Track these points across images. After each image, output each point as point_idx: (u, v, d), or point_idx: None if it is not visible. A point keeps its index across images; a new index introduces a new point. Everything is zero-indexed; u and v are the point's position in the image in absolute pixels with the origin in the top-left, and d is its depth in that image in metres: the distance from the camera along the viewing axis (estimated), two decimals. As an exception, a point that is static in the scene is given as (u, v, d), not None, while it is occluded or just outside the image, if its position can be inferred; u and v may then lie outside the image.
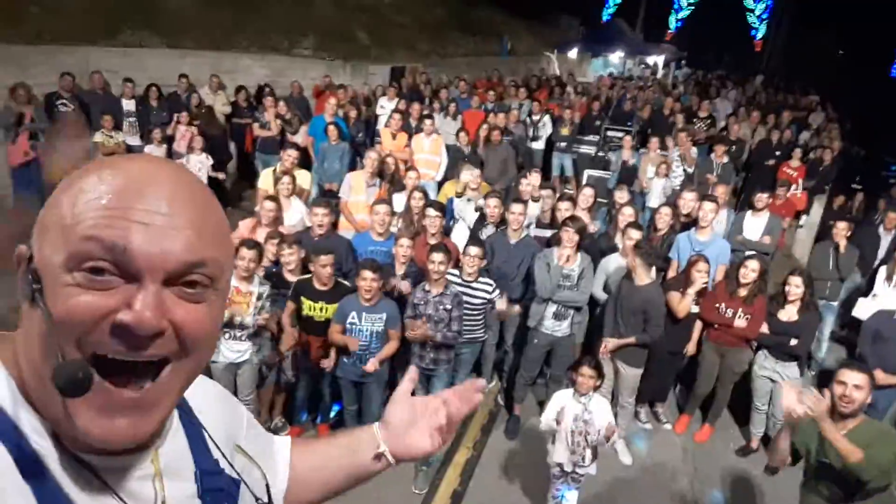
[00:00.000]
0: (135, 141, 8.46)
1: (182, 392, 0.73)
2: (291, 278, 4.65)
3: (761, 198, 6.35)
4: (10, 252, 0.70)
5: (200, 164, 7.65)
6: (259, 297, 4.30)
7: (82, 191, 0.65)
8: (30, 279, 0.65)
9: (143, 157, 0.71)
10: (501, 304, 5.02)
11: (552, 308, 4.87)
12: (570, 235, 4.76)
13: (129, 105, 8.78)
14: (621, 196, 6.50)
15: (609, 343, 4.75)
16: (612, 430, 3.76)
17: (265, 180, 6.49)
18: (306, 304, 4.48)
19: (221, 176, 8.20)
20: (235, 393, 4.42)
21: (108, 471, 0.70)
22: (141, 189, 0.65)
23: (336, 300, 4.46)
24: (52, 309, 0.62)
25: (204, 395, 0.92)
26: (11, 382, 0.68)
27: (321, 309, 4.47)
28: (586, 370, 3.85)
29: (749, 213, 6.46)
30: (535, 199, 6.16)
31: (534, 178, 6.58)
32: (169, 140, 8.22)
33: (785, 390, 3.10)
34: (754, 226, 6.33)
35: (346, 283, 4.58)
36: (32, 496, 0.63)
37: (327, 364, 4.45)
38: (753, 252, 5.61)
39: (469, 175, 6.26)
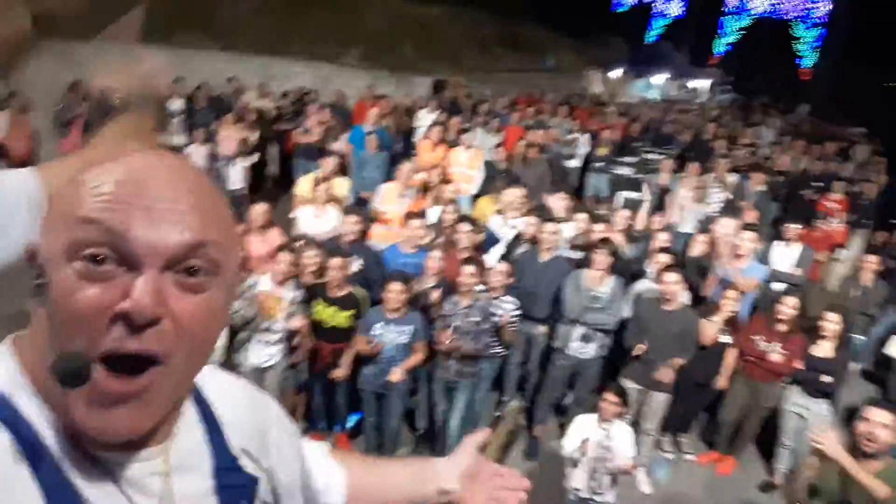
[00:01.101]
0: (180, 140, 8.71)
1: (183, 388, 0.72)
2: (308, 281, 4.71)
3: (790, 228, 6.24)
4: None
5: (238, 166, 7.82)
6: (291, 303, 4.39)
7: (85, 182, 0.65)
8: (36, 274, 0.65)
9: (147, 151, 0.71)
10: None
11: (580, 330, 4.86)
12: (601, 257, 4.76)
13: (176, 104, 9.05)
14: (659, 222, 6.45)
15: (665, 373, 4.62)
16: (632, 467, 3.74)
17: (303, 186, 6.61)
18: (319, 307, 4.53)
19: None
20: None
21: (116, 463, 0.71)
22: (142, 178, 0.65)
23: (348, 307, 4.50)
24: (53, 301, 0.62)
25: (227, 392, 0.91)
26: (23, 376, 0.69)
27: (332, 315, 4.50)
28: (611, 396, 3.83)
29: (778, 243, 6.36)
30: (564, 220, 6.14)
31: (560, 198, 6.55)
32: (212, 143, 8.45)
33: (823, 435, 3.04)
34: (784, 257, 6.22)
35: (359, 292, 4.59)
36: (37, 487, 0.64)
37: (339, 375, 4.50)
38: (785, 285, 5.53)
39: (512, 195, 6.26)
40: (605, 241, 5.03)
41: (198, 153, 7.63)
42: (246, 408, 0.95)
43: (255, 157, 8.08)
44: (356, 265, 4.87)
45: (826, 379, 4.71)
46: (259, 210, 5.25)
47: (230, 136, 8.28)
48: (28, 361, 0.70)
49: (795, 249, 6.22)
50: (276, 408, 1.03)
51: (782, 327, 4.83)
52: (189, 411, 0.83)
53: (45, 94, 8.11)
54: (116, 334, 0.62)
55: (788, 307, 4.81)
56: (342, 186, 6.85)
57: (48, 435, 0.67)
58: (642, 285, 5.22)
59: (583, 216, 6.08)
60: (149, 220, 0.63)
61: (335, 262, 4.44)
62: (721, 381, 5.08)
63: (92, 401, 0.63)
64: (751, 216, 6.86)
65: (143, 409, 0.66)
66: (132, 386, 0.64)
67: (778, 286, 5.57)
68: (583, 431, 3.87)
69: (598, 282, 4.75)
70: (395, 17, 16.82)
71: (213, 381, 0.92)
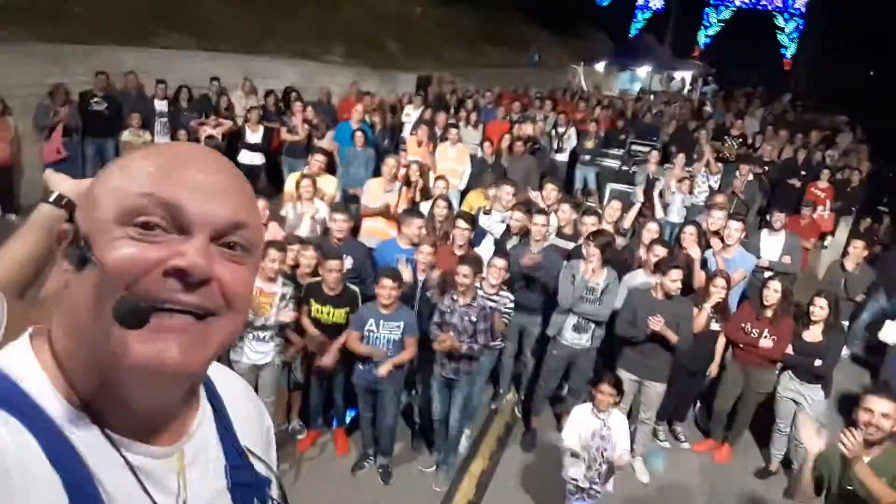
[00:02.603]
0: (165, 140, 8.61)
1: (222, 348, 0.74)
2: (305, 281, 4.70)
3: (779, 217, 6.29)
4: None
5: None
6: (282, 298, 4.35)
7: (133, 163, 0.71)
8: (80, 245, 0.68)
9: (182, 142, 0.78)
10: (527, 259, 4.96)
11: (572, 320, 4.86)
12: (592, 250, 4.76)
13: (161, 105, 8.96)
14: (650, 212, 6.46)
15: (656, 323, 4.50)
16: (626, 462, 3.75)
17: (291, 184, 6.56)
18: (314, 306, 4.52)
19: None
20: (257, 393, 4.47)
21: (137, 457, 0.72)
22: (186, 161, 0.71)
23: (343, 305, 4.50)
24: (104, 260, 0.65)
25: (235, 392, 0.93)
26: (46, 377, 0.69)
27: (328, 313, 4.51)
28: (606, 387, 3.83)
29: (765, 232, 6.41)
30: (552, 211, 6.14)
31: (549, 190, 6.54)
32: (194, 142, 8.37)
33: (803, 427, 3.05)
34: (771, 245, 6.27)
35: (354, 288, 4.60)
36: (61, 484, 0.65)
37: (325, 363, 4.47)
38: (773, 272, 5.57)
39: (503, 192, 6.24)
40: (599, 233, 5.03)
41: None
42: (251, 408, 0.97)
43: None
44: (348, 262, 4.83)
45: (817, 363, 4.75)
46: (260, 205, 5.20)
47: (209, 135, 8.22)
48: (52, 350, 0.71)
49: (780, 237, 6.26)
50: (268, 416, 1.04)
51: (769, 313, 4.89)
52: (204, 407, 0.84)
53: (22, 98, 7.95)
54: (170, 285, 0.66)
55: (773, 291, 4.88)
56: (329, 183, 6.80)
57: (73, 435, 0.68)
58: (636, 278, 5.21)
59: (567, 206, 6.06)
60: (199, 193, 0.68)
61: (332, 264, 4.42)
62: (713, 368, 5.12)
63: (148, 336, 0.65)
64: (718, 199, 6.92)
65: (196, 345, 0.68)
66: (191, 323, 0.68)
67: (767, 274, 5.60)
68: (579, 422, 3.86)
69: (593, 273, 4.75)
70: (377, 13, 16.74)
71: (221, 377, 0.92)
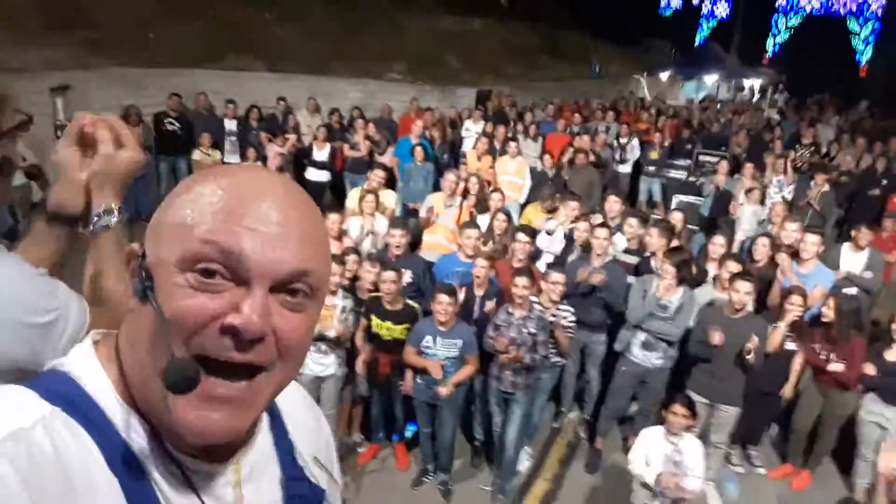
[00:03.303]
0: (235, 159, 8.94)
1: (273, 397, 0.74)
2: (366, 296, 4.73)
3: (864, 233, 5.90)
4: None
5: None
6: (343, 311, 4.40)
7: (201, 195, 0.68)
8: (142, 276, 0.68)
9: (256, 167, 0.75)
10: (584, 274, 4.83)
11: (641, 336, 4.70)
12: (667, 267, 4.61)
13: (230, 125, 9.32)
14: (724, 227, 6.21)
15: (716, 336, 4.29)
16: (699, 489, 3.56)
17: (352, 199, 6.67)
18: (374, 321, 4.53)
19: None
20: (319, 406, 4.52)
21: (197, 472, 0.73)
22: (255, 198, 0.68)
23: (402, 321, 4.48)
24: (163, 307, 0.65)
25: (293, 401, 0.92)
26: (109, 382, 0.71)
27: (388, 328, 4.50)
28: (679, 409, 3.65)
29: (847, 246, 6.03)
30: (616, 225, 5.98)
31: (612, 202, 6.39)
32: (263, 160, 8.64)
33: (884, 451, 2.83)
34: (853, 262, 5.89)
35: (415, 304, 4.59)
36: (121, 491, 0.66)
37: (406, 388, 4.48)
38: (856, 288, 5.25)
39: (566, 206, 6.14)
40: (676, 250, 4.87)
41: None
42: (312, 416, 0.97)
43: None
44: (407, 277, 4.84)
45: (903, 385, 4.42)
46: (331, 220, 5.34)
47: (277, 155, 8.46)
48: (118, 361, 0.72)
49: (864, 253, 5.88)
50: (327, 425, 1.03)
51: (832, 333, 4.61)
52: (261, 418, 0.84)
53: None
54: (225, 344, 0.65)
55: (828, 309, 4.63)
56: (389, 198, 6.88)
57: (133, 440, 0.69)
58: (705, 293, 5.00)
59: (634, 220, 5.91)
60: (262, 242, 0.66)
61: (388, 275, 4.44)
62: (787, 390, 4.84)
63: (195, 402, 0.65)
64: (777, 208, 6.62)
65: (242, 411, 0.69)
66: (238, 391, 0.67)
67: (850, 290, 5.27)
68: (649, 446, 3.70)
69: (667, 291, 4.59)
70: (437, 31, 16.97)
71: None
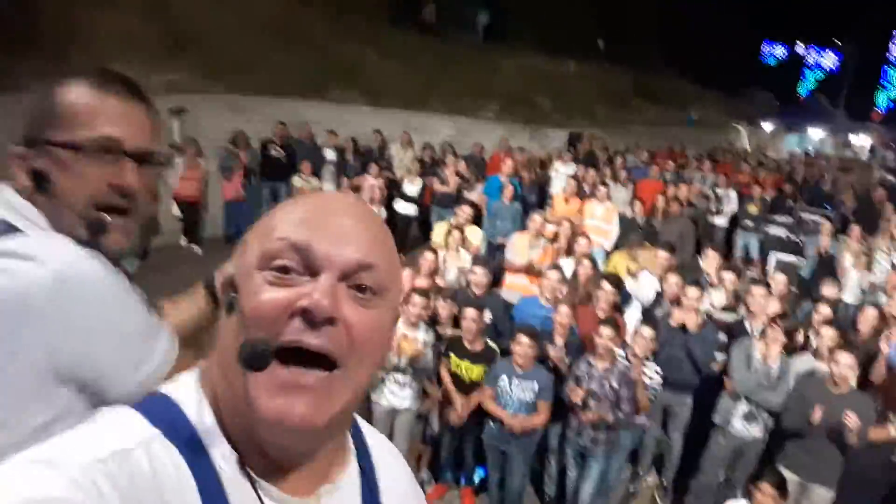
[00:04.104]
0: (331, 187, 9.31)
1: (350, 403, 0.74)
2: (444, 332, 4.73)
3: None
4: None
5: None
6: (424, 345, 4.42)
7: (280, 210, 0.76)
8: (230, 291, 0.73)
9: (334, 193, 0.82)
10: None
11: (744, 407, 4.44)
12: (776, 333, 4.37)
13: (330, 154, 9.73)
14: (829, 291, 5.84)
15: (852, 420, 3.94)
16: None
17: (438, 233, 6.76)
18: (454, 360, 4.51)
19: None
20: (391, 439, 4.53)
21: (273, 501, 0.73)
22: (328, 210, 0.75)
23: (481, 362, 4.43)
24: (243, 305, 0.70)
25: (389, 459, 0.92)
26: (208, 408, 0.73)
27: (466, 368, 4.46)
28: (767, 488, 3.40)
29: None
30: (712, 285, 5.73)
31: (710, 257, 6.13)
32: (357, 189, 8.94)
33: None
34: None
35: (494, 345, 4.54)
36: None
37: (454, 420, 4.42)
38: None
39: (657, 256, 5.98)
40: (783, 316, 4.66)
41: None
42: (406, 482, 0.95)
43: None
44: (487, 316, 4.82)
45: None
46: (429, 259, 5.47)
47: (373, 186, 8.72)
48: (212, 387, 0.75)
49: None
50: (414, 480, 1.02)
51: None
52: (351, 465, 0.84)
53: (211, 141, 9.00)
54: (296, 327, 0.68)
55: None
56: (475, 234, 6.91)
57: (222, 469, 0.71)
58: (804, 363, 4.69)
59: (731, 277, 5.65)
60: (329, 236, 0.71)
61: (469, 312, 4.43)
62: None
63: (273, 387, 0.67)
64: None
65: (321, 402, 0.69)
66: (316, 379, 0.69)
67: None
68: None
69: (771, 358, 4.35)
70: (530, 71, 17.13)
71: (377, 443, 0.92)
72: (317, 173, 9.28)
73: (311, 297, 0.67)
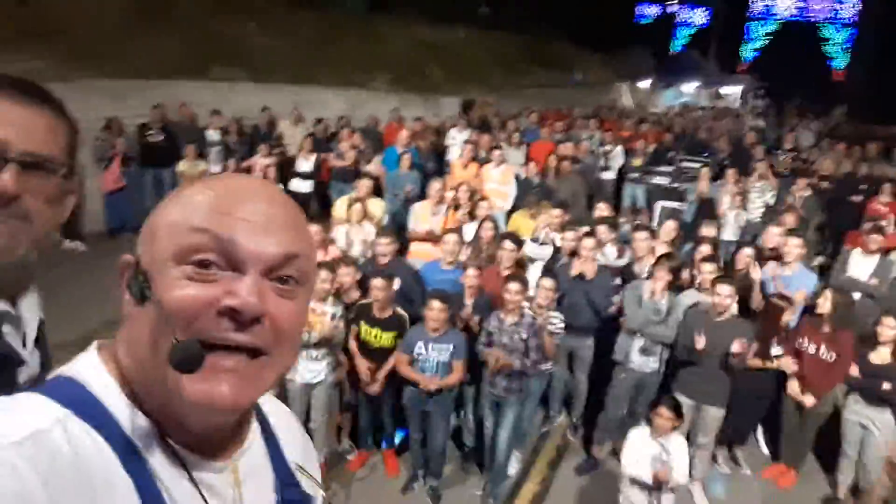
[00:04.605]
0: (218, 170, 8.92)
1: (273, 385, 0.76)
2: (351, 299, 4.76)
3: (875, 239, 5.98)
4: None
5: None
6: (333, 317, 4.42)
7: (190, 196, 0.73)
8: (140, 280, 0.70)
9: (240, 175, 0.80)
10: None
11: (639, 342, 4.77)
12: (662, 272, 4.70)
13: (214, 136, 9.29)
14: (708, 231, 6.31)
15: (700, 341, 4.41)
16: (684, 484, 3.62)
17: (339, 208, 6.70)
18: (364, 328, 4.56)
19: None
20: (309, 414, 4.52)
21: (199, 470, 0.75)
22: (241, 195, 0.73)
23: (391, 329, 4.52)
24: (162, 300, 0.68)
25: (278, 412, 0.96)
26: (114, 383, 0.73)
27: (376, 335, 4.53)
28: (665, 411, 3.72)
29: (857, 251, 6.13)
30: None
31: (600, 210, 6.48)
32: (247, 171, 8.63)
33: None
34: (862, 266, 6.00)
35: (403, 312, 4.62)
36: (135, 490, 0.68)
37: (373, 390, 4.52)
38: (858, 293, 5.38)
39: (548, 217, 6.22)
40: (668, 256, 4.99)
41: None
42: (294, 426, 1.00)
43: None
44: (395, 283, 4.87)
45: (885, 386, 4.52)
46: (313, 230, 5.31)
47: (262, 167, 8.45)
48: (117, 365, 0.74)
49: (873, 259, 5.97)
50: (307, 437, 1.05)
51: (826, 327, 4.70)
52: (253, 425, 0.86)
53: (85, 131, 8.37)
54: (224, 325, 0.68)
55: (825, 300, 4.73)
56: (376, 206, 6.91)
57: (139, 439, 0.71)
58: (689, 297, 5.09)
59: (602, 228, 5.91)
60: (253, 230, 0.70)
61: (378, 282, 4.46)
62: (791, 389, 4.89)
63: (201, 377, 0.67)
64: (790, 220, 6.64)
65: (247, 384, 0.70)
66: (242, 363, 0.70)
67: (856, 295, 5.38)
68: (637, 446, 3.76)
69: (658, 295, 4.68)
70: (420, 41, 17.06)
71: (266, 400, 0.95)
72: (203, 156, 8.85)
73: (238, 296, 0.67)
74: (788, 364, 4.80)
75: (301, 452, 0.95)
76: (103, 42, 10.13)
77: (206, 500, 0.74)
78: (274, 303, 0.70)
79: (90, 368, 0.73)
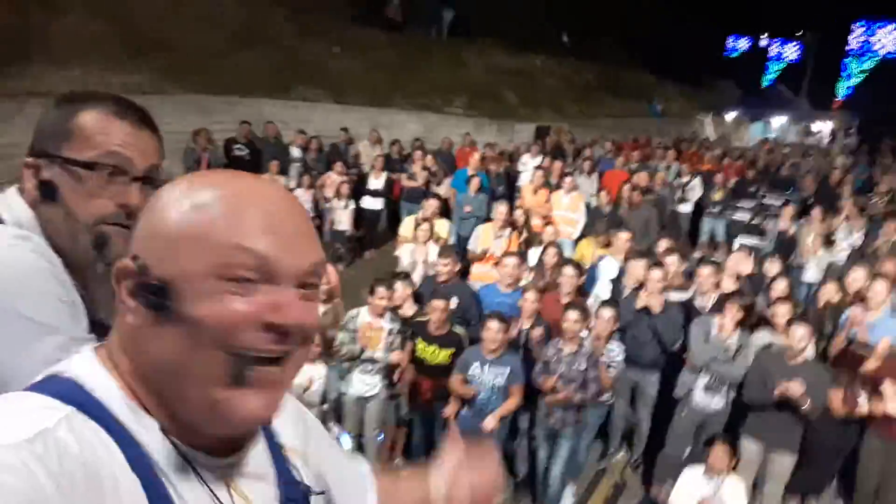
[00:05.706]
0: (290, 184, 9.26)
1: (294, 378, 0.78)
2: (405, 314, 4.79)
3: None
4: None
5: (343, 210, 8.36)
6: (390, 333, 4.45)
7: (209, 206, 0.69)
8: (156, 291, 0.68)
9: (243, 174, 0.76)
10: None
11: (703, 380, 4.56)
12: (734, 312, 4.50)
13: (296, 153, 9.68)
14: (772, 267, 6.00)
15: (797, 387, 4.08)
16: None
17: (406, 227, 6.79)
18: (420, 344, 4.56)
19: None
20: (362, 427, 4.55)
21: (206, 469, 0.74)
22: (274, 208, 0.72)
23: (448, 346, 4.49)
24: (201, 314, 0.66)
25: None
26: (115, 385, 0.71)
27: (433, 352, 4.52)
28: (719, 450, 3.52)
29: None
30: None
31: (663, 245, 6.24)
32: (321, 187, 8.91)
33: None
34: None
35: (460, 329, 4.59)
36: (142, 491, 0.67)
37: (448, 412, 4.45)
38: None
39: (618, 239, 6.09)
40: (739, 293, 4.81)
41: (303, 197, 8.11)
42: (287, 416, 0.96)
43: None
44: (453, 303, 4.88)
45: None
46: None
47: (335, 183, 8.70)
48: (116, 368, 0.72)
49: None
50: (311, 416, 1.04)
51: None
52: None
53: (177, 142, 8.90)
54: (266, 339, 0.69)
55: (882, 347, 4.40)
56: (443, 227, 6.96)
57: (144, 440, 0.70)
58: (763, 337, 4.83)
59: (672, 258, 5.68)
60: (287, 245, 0.71)
61: (437, 304, 4.48)
62: None
63: (251, 392, 0.70)
64: (891, 267, 6.16)
65: (274, 396, 0.73)
66: (281, 374, 0.72)
67: None
68: (688, 485, 3.57)
69: (728, 332, 4.48)
70: (497, 67, 17.24)
71: None
72: (284, 172, 9.23)
73: (281, 311, 0.69)
74: (879, 408, 4.38)
75: (292, 426, 0.93)
76: (197, 60, 10.81)
77: (214, 495, 0.74)
78: (302, 309, 0.72)
79: (88, 369, 0.72)
